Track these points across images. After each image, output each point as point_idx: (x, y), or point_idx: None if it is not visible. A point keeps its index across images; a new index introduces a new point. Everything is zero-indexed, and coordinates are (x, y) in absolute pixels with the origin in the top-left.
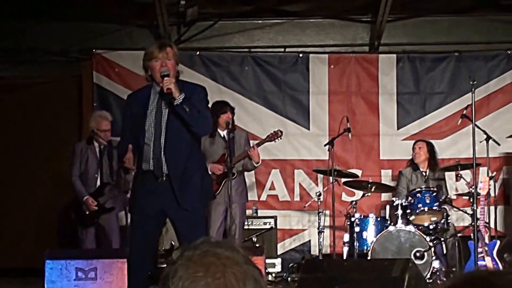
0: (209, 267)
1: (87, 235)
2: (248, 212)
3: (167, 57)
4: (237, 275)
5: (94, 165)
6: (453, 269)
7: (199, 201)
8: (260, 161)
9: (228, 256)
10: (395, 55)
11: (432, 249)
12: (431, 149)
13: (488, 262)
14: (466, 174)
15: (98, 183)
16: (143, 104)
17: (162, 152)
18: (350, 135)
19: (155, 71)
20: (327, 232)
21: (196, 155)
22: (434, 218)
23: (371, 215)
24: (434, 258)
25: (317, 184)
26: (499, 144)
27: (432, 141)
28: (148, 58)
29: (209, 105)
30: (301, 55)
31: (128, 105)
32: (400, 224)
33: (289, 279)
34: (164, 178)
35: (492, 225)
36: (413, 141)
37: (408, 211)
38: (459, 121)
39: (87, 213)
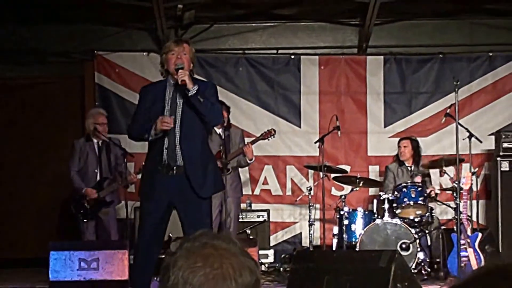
0: (207, 258)
1: (87, 227)
2: (243, 205)
3: (183, 51)
4: (234, 265)
5: (94, 161)
6: (437, 260)
7: (213, 190)
8: (254, 158)
9: (225, 248)
10: (382, 57)
11: (417, 241)
12: (415, 146)
13: (470, 253)
14: (450, 170)
15: (98, 178)
16: (159, 97)
17: (178, 143)
18: (339, 132)
19: (170, 63)
20: (317, 224)
21: (207, 148)
22: (419, 212)
23: (359, 208)
24: (419, 249)
25: (308, 179)
26: (481, 142)
27: (417, 138)
28: (165, 52)
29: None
30: (292, 56)
31: (142, 97)
32: (386, 217)
33: (281, 269)
34: (176, 171)
35: (474, 218)
36: (398, 139)
37: (395, 205)
38: (443, 120)
39: (87, 207)
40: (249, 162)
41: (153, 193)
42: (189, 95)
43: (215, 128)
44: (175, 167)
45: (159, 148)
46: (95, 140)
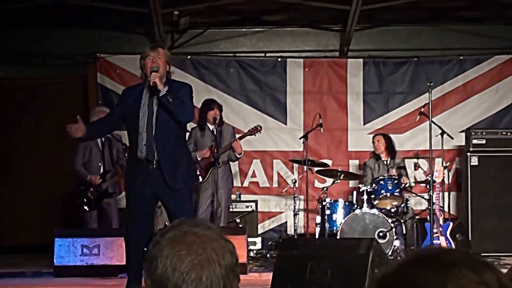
0: (191, 246)
1: (91, 216)
2: (233, 196)
3: (157, 56)
4: (216, 250)
5: (97, 155)
6: (412, 247)
7: (186, 183)
8: (242, 153)
9: (206, 234)
10: (361, 60)
11: (393, 229)
12: (388, 140)
13: (442, 241)
14: (424, 164)
15: (101, 171)
16: (137, 98)
17: (153, 140)
18: (322, 129)
19: (147, 67)
20: (301, 214)
21: (182, 144)
22: (395, 203)
23: (340, 199)
24: (395, 237)
25: (293, 173)
26: (452, 138)
27: (394, 135)
28: (142, 57)
29: (196, 104)
30: (279, 59)
31: (123, 97)
32: (365, 208)
33: (268, 255)
34: (155, 165)
35: (446, 209)
36: (373, 135)
37: (373, 196)
38: (418, 118)
39: (91, 197)
40: (238, 156)
41: (137, 185)
42: (160, 95)
43: (208, 124)
44: (154, 161)
45: (139, 144)
46: None
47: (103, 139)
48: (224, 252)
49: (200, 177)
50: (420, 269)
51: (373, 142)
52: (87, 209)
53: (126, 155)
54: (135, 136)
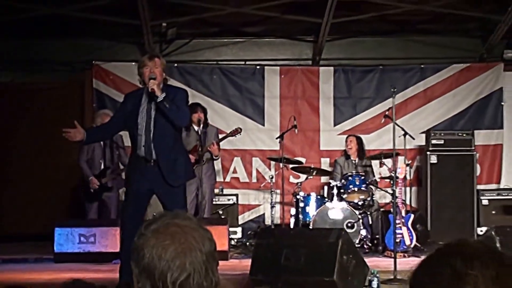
0: (174, 235)
1: (91, 208)
2: (216, 191)
3: (154, 65)
4: (197, 238)
5: (99, 152)
6: (377, 236)
7: (183, 179)
8: (219, 155)
9: (186, 224)
10: (332, 68)
11: (360, 220)
12: (360, 142)
13: (404, 231)
14: (388, 162)
15: (102, 167)
16: (137, 103)
17: (152, 141)
18: (296, 130)
19: (145, 76)
20: (277, 207)
21: (179, 143)
22: (362, 196)
23: (312, 193)
24: (362, 227)
25: (270, 169)
26: (414, 139)
27: (361, 136)
28: (140, 66)
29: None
30: (258, 67)
31: (124, 101)
32: (335, 201)
33: (247, 243)
34: (153, 163)
35: (407, 202)
36: (346, 136)
37: (342, 190)
38: (383, 120)
39: (92, 191)
40: (215, 158)
41: (135, 181)
42: (157, 101)
43: (193, 126)
44: (151, 160)
45: (138, 144)
46: None
47: None
48: (204, 240)
49: None
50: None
51: (346, 142)
52: (88, 202)
53: (125, 153)
54: (135, 137)
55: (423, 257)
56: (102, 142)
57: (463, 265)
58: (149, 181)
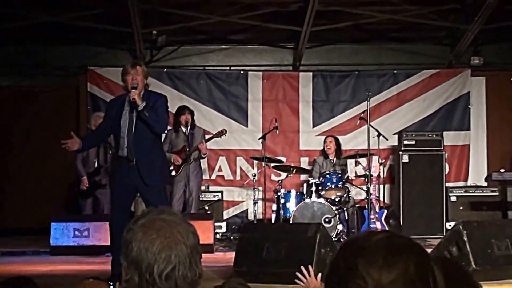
0: (160, 230)
1: (86, 204)
2: (202, 188)
3: (136, 73)
4: (181, 232)
5: (93, 152)
6: (352, 230)
7: (160, 178)
8: (207, 153)
9: (171, 219)
10: (311, 73)
11: (337, 216)
12: (337, 143)
13: (378, 225)
14: (363, 161)
15: (96, 165)
16: (120, 107)
17: (132, 143)
18: (277, 131)
19: (128, 83)
20: (260, 203)
21: (157, 146)
22: (339, 193)
23: (292, 190)
24: (338, 222)
25: (253, 168)
26: (387, 139)
27: (338, 136)
28: (123, 73)
29: (170, 109)
30: (242, 72)
31: (109, 106)
32: (314, 198)
33: (231, 237)
34: (135, 163)
35: (381, 198)
36: (324, 137)
37: (320, 188)
38: (358, 122)
39: (85, 188)
40: (203, 156)
41: (119, 179)
42: (138, 110)
43: (181, 127)
44: (133, 160)
45: (121, 145)
46: None
47: None
48: (188, 233)
49: (173, 172)
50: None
51: (325, 142)
52: (83, 198)
53: None
54: (118, 139)
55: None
56: None
57: (352, 257)
58: (132, 179)
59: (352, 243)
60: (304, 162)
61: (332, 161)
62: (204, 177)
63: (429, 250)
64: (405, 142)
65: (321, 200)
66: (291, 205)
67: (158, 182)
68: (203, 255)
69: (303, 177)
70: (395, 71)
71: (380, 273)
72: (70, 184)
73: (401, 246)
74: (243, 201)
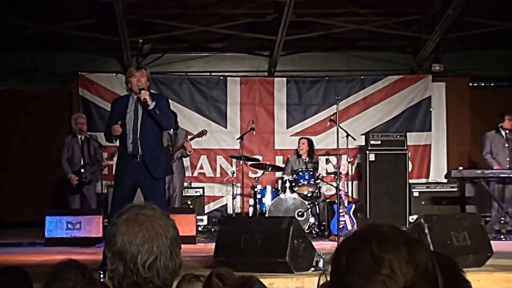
0: (142, 223)
1: (74, 199)
2: (185, 184)
3: (141, 75)
4: (162, 225)
5: (78, 151)
6: (323, 223)
7: (164, 173)
8: (192, 150)
9: (152, 214)
10: (285, 79)
11: (309, 210)
12: (310, 144)
13: (346, 219)
14: (333, 159)
15: (82, 163)
16: (124, 106)
17: (138, 140)
18: (254, 132)
19: (133, 84)
20: (238, 198)
21: (161, 143)
22: (310, 189)
23: (268, 186)
24: (310, 216)
25: (232, 165)
26: (355, 139)
27: (310, 137)
28: (128, 75)
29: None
30: (221, 77)
31: (112, 107)
32: (288, 193)
33: (212, 230)
34: (139, 159)
35: (349, 194)
36: (298, 137)
37: (293, 184)
38: (328, 124)
39: (73, 185)
40: (188, 154)
41: (123, 174)
42: (149, 109)
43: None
44: (138, 156)
45: (127, 141)
46: (79, 136)
47: (82, 138)
48: (168, 227)
49: None
50: (350, 242)
51: (298, 143)
52: (70, 194)
53: (101, 151)
54: (123, 136)
55: (342, 241)
56: (80, 142)
57: (378, 249)
58: (135, 174)
59: (374, 235)
60: (279, 161)
61: (304, 160)
62: (186, 174)
63: None
64: (372, 142)
65: (295, 195)
66: (267, 200)
67: (164, 176)
68: (186, 246)
69: (278, 174)
70: (362, 77)
71: (408, 267)
72: (58, 180)
73: (415, 241)
74: (222, 196)
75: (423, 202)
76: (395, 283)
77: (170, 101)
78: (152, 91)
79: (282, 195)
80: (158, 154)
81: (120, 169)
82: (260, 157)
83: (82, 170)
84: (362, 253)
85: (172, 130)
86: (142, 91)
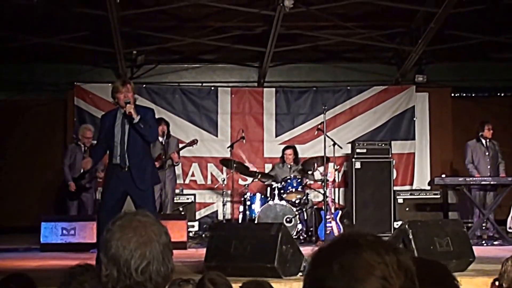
0: (136, 229)
1: (72, 205)
2: (177, 191)
3: (127, 90)
4: (155, 231)
5: (80, 159)
6: (311, 229)
7: (150, 184)
8: (179, 162)
9: (145, 220)
10: (274, 89)
11: (297, 216)
12: (295, 151)
13: (333, 225)
14: (320, 167)
15: (82, 170)
16: (112, 120)
17: (126, 152)
18: (244, 140)
19: (120, 99)
20: (228, 204)
21: (147, 154)
22: (298, 196)
23: (257, 193)
24: (298, 222)
25: (222, 173)
26: (341, 148)
27: (298, 145)
28: (115, 91)
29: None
30: (212, 88)
31: (102, 121)
32: (276, 200)
33: (203, 235)
34: (126, 169)
35: (336, 200)
36: (284, 147)
37: (282, 191)
38: (316, 132)
39: (73, 191)
40: (175, 164)
41: (111, 184)
42: (134, 122)
43: (158, 137)
44: (125, 167)
45: (115, 154)
46: (81, 145)
47: (86, 147)
48: (161, 233)
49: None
50: (339, 248)
51: (283, 152)
52: (69, 200)
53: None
54: (111, 148)
55: (319, 248)
56: (83, 150)
57: (372, 254)
58: (124, 184)
59: (359, 242)
60: (268, 168)
61: (289, 166)
62: (178, 182)
63: None
64: (358, 150)
65: (283, 202)
66: (256, 207)
67: (149, 187)
68: (178, 251)
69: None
70: (348, 87)
71: (400, 271)
72: (58, 187)
73: (399, 247)
74: (213, 203)
75: (407, 209)
76: (391, 286)
77: (163, 110)
78: (138, 103)
79: (271, 202)
80: (144, 166)
81: (109, 177)
82: (250, 165)
83: (83, 177)
84: (356, 258)
85: (164, 138)
86: (128, 105)
